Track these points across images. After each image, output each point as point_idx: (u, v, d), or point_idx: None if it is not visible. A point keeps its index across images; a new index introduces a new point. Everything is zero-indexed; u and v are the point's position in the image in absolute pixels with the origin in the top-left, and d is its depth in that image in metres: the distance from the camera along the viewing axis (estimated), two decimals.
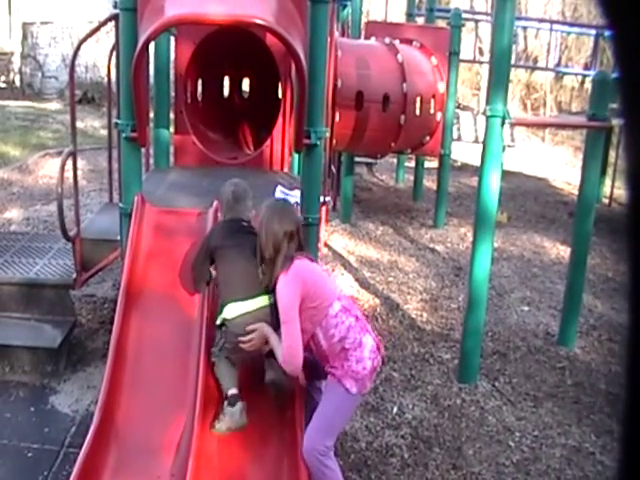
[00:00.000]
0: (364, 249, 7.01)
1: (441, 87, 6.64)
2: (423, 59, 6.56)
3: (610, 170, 10.50)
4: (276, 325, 2.99)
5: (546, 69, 13.34)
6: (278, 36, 3.13)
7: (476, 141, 12.69)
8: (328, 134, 3.75)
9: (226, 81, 5.29)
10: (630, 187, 0.66)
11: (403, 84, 5.99)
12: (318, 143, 3.65)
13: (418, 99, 6.33)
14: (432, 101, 6.56)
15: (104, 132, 10.83)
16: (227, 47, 4.75)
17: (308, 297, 2.89)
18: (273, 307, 3.04)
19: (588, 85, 18.40)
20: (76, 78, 12.60)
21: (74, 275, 4.09)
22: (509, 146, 12.60)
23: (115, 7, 3.40)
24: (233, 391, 3.05)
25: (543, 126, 10.17)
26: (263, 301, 3.09)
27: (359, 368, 2.92)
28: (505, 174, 11.64)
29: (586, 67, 17.32)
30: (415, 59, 6.41)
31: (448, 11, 8.29)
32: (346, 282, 6.13)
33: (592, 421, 4.43)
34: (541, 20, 14.51)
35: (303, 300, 2.88)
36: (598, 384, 4.94)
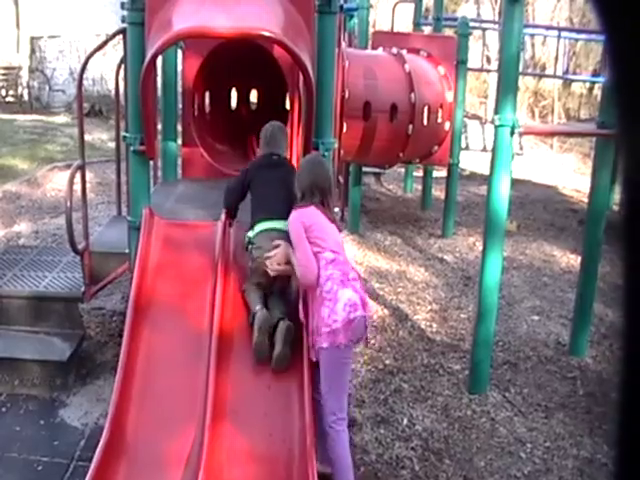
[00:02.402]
0: (372, 259, 6.99)
1: (449, 96, 6.64)
2: (430, 68, 6.56)
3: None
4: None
5: (554, 76, 13.31)
6: (285, 48, 3.14)
7: (484, 150, 12.68)
8: (336, 145, 3.74)
9: (233, 93, 5.30)
10: (625, 191, 0.65)
11: (411, 94, 5.99)
12: (326, 154, 3.66)
13: (426, 109, 6.33)
14: (440, 110, 6.55)
15: (112, 145, 10.89)
16: (234, 59, 4.77)
17: (309, 235, 3.16)
18: None
19: (597, 92, 18.36)
20: (84, 91, 12.71)
21: (83, 288, 4.09)
22: (517, 154, 12.58)
23: (123, 21, 3.42)
24: (258, 307, 3.30)
25: (553, 134, 10.13)
26: (283, 225, 3.37)
27: (330, 321, 3.03)
28: (514, 182, 11.57)
29: (595, 74, 17.29)
30: (422, 68, 6.42)
31: (455, 20, 8.29)
32: None
33: (604, 431, 4.38)
34: (549, 27, 14.50)
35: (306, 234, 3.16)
36: (610, 394, 4.89)
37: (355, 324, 3.05)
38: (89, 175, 8.19)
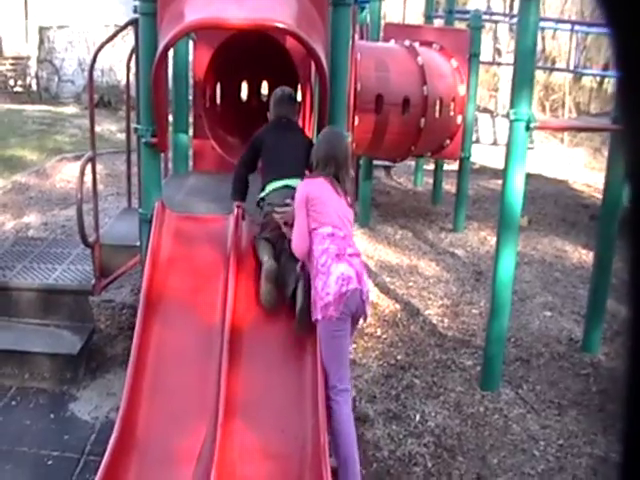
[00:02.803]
0: (383, 253, 6.94)
1: (461, 90, 6.56)
2: (443, 61, 6.48)
3: None
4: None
5: (566, 70, 13.19)
6: (299, 40, 3.09)
7: (494, 143, 12.58)
8: (350, 138, 3.69)
9: (244, 85, 5.25)
10: (632, 187, 0.65)
11: (423, 87, 5.91)
12: None
13: (438, 102, 6.25)
14: (452, 104, 6.48)
15: (121, 136, 10.86)
16: (245, 50, 4.71)
17: (309, 208, 3.21)
18: None
19: (607, 86, 18.24)
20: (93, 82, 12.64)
21: (93, 281, 4.06)
22: (529, 148, 12.49)
23: (135, 12, 3.37)
24: (265, 258, 3.40)
25: (567, 129, 10.05)
26: (294, 183, 3.46)
27: (323, 293, 3.09)
28: (527, 177, 11.57)
29: (605, 68, 17.14)
30: (435, 61, 6.33)
31: (467, 12, 8.20)
32: None
33: (618, 430, 4.33)
34: (560, 21, 14.36)
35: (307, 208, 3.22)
36: (623, 391, 4.83)
37: (348, 297, 3.09)
38: (98, 166, 8.13)
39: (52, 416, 3.79)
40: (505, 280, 4.28)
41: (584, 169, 13.58)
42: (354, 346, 4.95)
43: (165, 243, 3.49)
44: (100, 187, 7.98)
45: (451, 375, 4.82)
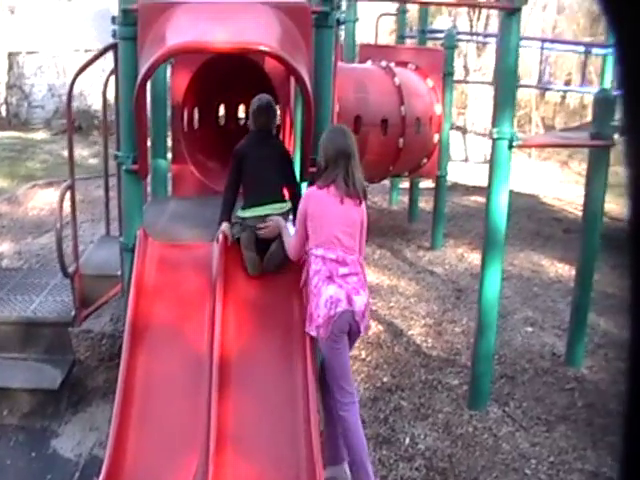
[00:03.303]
0: None
1: (438, 109, 6.62)
2: (419, 81, 6.53)
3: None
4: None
5: (534, 86, 13.45)
6: (284, 63, 3.07)
7: (466, 160, 12.72)
8: None
9: (222, 108, 5.21)
10: (632, 199, 0.65)
11: (401, 107, 5.95)
12: None
13: (416, 122, 6.29)
14: (429, 123, 6.52)
15: (93, 161, 10.72)
16: (222, 73, 4.68)
17: (307, 224, 3.26)
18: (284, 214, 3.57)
19: (569, 100, 18.63)
20: (63, 107, 12.46)
21: (73, 312, 3.95)
22: None
23: (114, 36, 3.32)
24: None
25: (549, 147, 10.24)
26: (275, 209, 3.54)
27: (315, 315, 3.18)
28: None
29: (567, 83, 17.55)
30: (412, 81, 6.38)
31: (440, 32, 8.29)
32: None
33: (607, 444, 4.33)
34: (527, 38, 14.63)
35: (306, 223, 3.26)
36: (609, 405, 4.85)
37: (336, 320, 3.16)
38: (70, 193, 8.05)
39: (33, 454, 3.66)
40: (491, 298, 4.28)
41: (553, 183, 13.77)
42: None
43: (149, 272, 3.42)
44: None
45: (438, 395, 4.79)
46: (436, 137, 6.70)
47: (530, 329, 6.05)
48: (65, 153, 11.51)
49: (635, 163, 0.64)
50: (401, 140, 6.00)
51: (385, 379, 4.95)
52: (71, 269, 3.84)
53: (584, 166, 16.70)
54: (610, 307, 6.72)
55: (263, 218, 3.52)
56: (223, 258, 3.50)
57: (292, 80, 4.48)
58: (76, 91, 12.21)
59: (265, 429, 3.12)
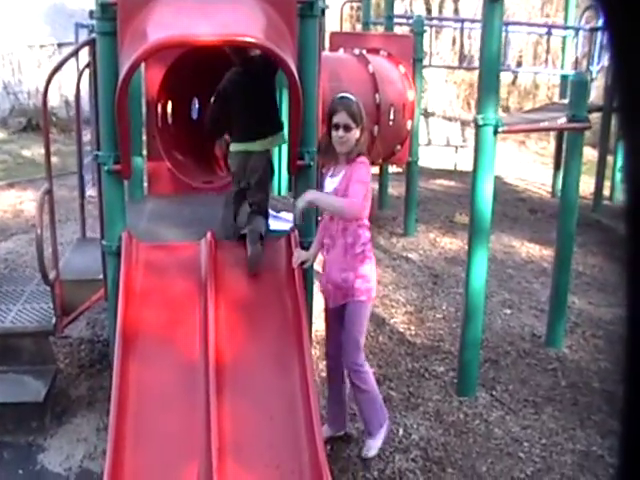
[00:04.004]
0: None
1: (410, 95, 6.59)
2: (392, 68, 6.48)
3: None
4: (263, 169, 3.60)
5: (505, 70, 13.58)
6: (271, 53, 2.97)
7: (429, 144, 12.76)
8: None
9: (195, 102, 5.06)
10: (629, 191, 0.64)
11: (376, 95, 5.89)
12: (312, 164, 3.51)
13: (391, 109, 6.24)
14: (403, 110, 6.49)
15: (55, 160, 10.32)
16: (194, 66, 4.54)
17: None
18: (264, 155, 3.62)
19: (520, 81, 18.88)
20: (18, 105, 12.00)
21: (54, 320, 3.79)
22: (462, 147, 12.74)
23: (91, 32, 3.16)
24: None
25: (532, 131, 10.42)
26: (259, 145, 3.57)
27: (371, 276, 3.58)
28: (460, 175, 11.78)
29: (519, 64, 17.79)
30: (385, 69, 6.33)
31: (404, 17, 8.24)
32: (321, 297, 5.97)
33: (594, 422, 4.41)
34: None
35: None
36: (592, 383, 4.94)
37: None
38: (34, 194, 7.73)
39: (20, 471, 3.50)
40: (477, 285, 4.29)
41: (513, 163, 13.93)
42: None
43: (137, 276, 3.29)
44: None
45: (426, 384, 4.79)
46: (409, 124, 6.68)
47: (508, 311, 6.11)
48: (25, 153, 11.14)
49: (633, 160, 0.64)
50: (376, 128, 5.95)
51: (372, 370, 4.92)
52: (51, 275, 3.67)
53: (541, 145, 17.03)
54: (582, 285, 6.85)
55: (238, 159, 3.63)
56: (212, 258, 3.40)
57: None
58: (32, 89, 11.79)
59: (265, 435, 3.04)
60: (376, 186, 9.08)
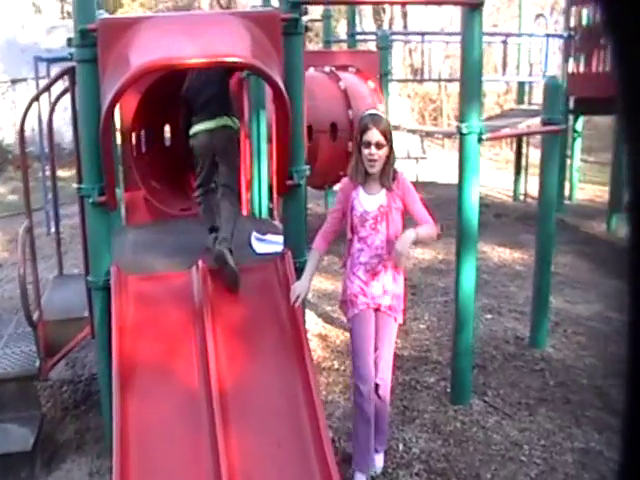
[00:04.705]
0: (317, 282, 6.81)
1: (380, 109, 6.63)
2: (361, 84, 6.52)
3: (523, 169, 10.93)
4: (231, 147, 3.80)
5: (436, 80, 13.87)
6: (260, 72, 2.94)
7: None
8: (309, 172, 3.56)
9: (167, 129, 4.99)
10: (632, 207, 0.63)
11: (349, 111, 5.91)
12: (301, 183, 3.47)
13: None
14: None
15: (12, 198, 10.04)
16: (165, 92, 4.47)
17: None
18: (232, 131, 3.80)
19: None
20: None
21: (37, 363, 3.63)
22: (422, 158, 12.89)
23: (70, 59, 3.07)
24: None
25: (514, 136, 10.64)
26: (219, 122, 3.74)
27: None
28: (424, 185, 11.88)
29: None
30: (355, 84, 6.37)
31: (365, 34, 8.30)
32: (310, 320, 5.91)
33: (589, 419, 4.45)
34: (423, 33, 15.03)
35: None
36: (580, 380, 4.99)
37: None
38: None
39: None
40: (467, 294, 4.30)
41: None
42: None
43: (129, 310, 3.19)
44: (4, 255, 7.34)
45: (419, 395, 4.77)
46: None
47: (489, 316, 6.16)
48: None
49: (634, 167, 0.63)
50: (350, 144, 5.96)
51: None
52: (34, 316, 3.53)
53: (494, 151, 17.32)
54: (557, 284, 6.95)
55: (199, 136, 3.76)
56: (205, 285, 3.33)
57: (245, 92, 4.35)
58: None
59: (275, 463, 2.97)
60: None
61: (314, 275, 3.59)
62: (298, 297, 3.25)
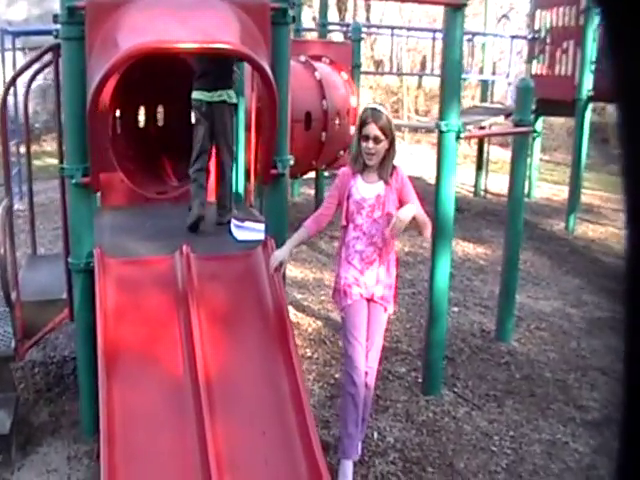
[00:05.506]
0: (287, 270, 6.80)
1: (353, 101, 6.65)
2: (335, 74, 6.51)
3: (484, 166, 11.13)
4: (230, 124, 4.06)
5: (393, 73, 14.00)
6: (251, 61, 2.90)
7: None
8: (292, 162, 3.54)
9: (141, 111, 4.88)
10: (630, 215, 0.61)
11: (323, 101, 5.90)
12: (285, 172, 3.45)
13: (337, 115, 6.27)
14: (347, 116, 6.53)
15: None
16: (141, 74, 4.38)
17: None
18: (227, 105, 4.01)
19: (424, 84, 19.54)
20: None
21: (13, 344, 3.52)
22: None
23: (56, 37, 2.96)
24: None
25: (490, 136, 10.80)
26: (215, 95, 3.94)
27: None
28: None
29: (422, 69, 18.47)
30: (330, 75, 6.36)
31: (337, 24, 8.28)
32: None
33: (553, 411, 4.58)
34: (381, 27, 15.15)
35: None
36: (544, 374, 5.13)
37: None
38: None
39: None
40: (442, 287, 4.36)
41: (429, 165, 14.34)
42: None
43: (113, 294, 3.12)
44: None
45: (391, 385, 4.82)
46: (352, 129, 6.74)
47: (456, 309, 6.26)
48: None
49: (633, 173, 0.61)
50: (324, 134, 5.96)
51: (337, 375, 4.90)
52: (12, 296, 3.41)
53: None
54: (519, 281, 7.11)
55: (196, 104, 3.98)
56: (189, 270, 3.28)
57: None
58: None
59: (260, 451, 2.96)
60: (312, 191, 9.10)
61: (294, 248, 3.62)
62: (281, 265, 3.30)
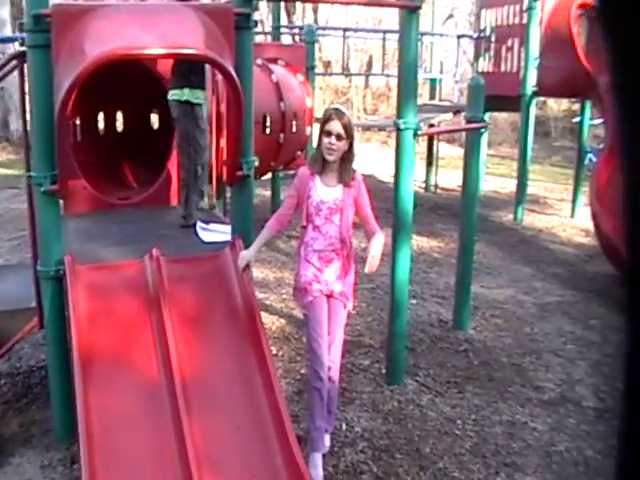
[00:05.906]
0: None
1: (309, 102, 6.76)
2: (291, 76, 6.61)
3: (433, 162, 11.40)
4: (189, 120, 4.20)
5: (341, 74, 14.23)
6: (217, 66, 2.98)
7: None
8: (257, 163, 3.64)
9: (101, 117, 4.89)
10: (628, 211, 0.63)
11: (280, 103, 5.99)
12: (250, 174, 3.55)
13: (294, 116, 6.37)
14: (303, 117, 6.65)
15: None
16: (102, 82, 4.39)
17: None
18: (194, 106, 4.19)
19: (371, 84, 19.84)
20: None
21: None
22: None
23: (22, 44, 2.98)
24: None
25: (445, 133, 11.06)
26: (183, 94, 4.11)
27: None
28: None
29: (368, 69, 18.78)
30: (286, 77, 6.45)
31: (288, 27, 8.38)
32: None
33: (512, 393, 4.80)
34: (335, 28, 15.36)
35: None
36: (500, 359, 5.36)
37: None
38: None
39: None
40: (402, 280, 4.52)
41: (380, 162, 14.58)
42: None
43: (85, 300, 3.16)
44: None
45: (356, 377, 4.96)
46: (309, 130, 6.86)
47: (414, 301, 6.44)
48: None
49: (633, 171, 0.62)
50: (282, 135, 6.06)
51: (302, 371, 5.01)
52: None
53: None
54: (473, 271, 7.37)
55: (171, 104, 4.17)
56: (160, 274, 3.34)
57: None
58: None
59: (235, 446, 3.05)
60: (269, 192, 9.18)
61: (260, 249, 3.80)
62: (247, 265, 3.52)
